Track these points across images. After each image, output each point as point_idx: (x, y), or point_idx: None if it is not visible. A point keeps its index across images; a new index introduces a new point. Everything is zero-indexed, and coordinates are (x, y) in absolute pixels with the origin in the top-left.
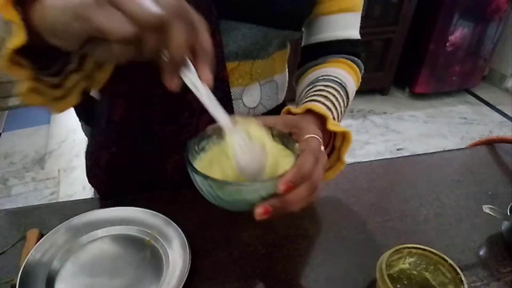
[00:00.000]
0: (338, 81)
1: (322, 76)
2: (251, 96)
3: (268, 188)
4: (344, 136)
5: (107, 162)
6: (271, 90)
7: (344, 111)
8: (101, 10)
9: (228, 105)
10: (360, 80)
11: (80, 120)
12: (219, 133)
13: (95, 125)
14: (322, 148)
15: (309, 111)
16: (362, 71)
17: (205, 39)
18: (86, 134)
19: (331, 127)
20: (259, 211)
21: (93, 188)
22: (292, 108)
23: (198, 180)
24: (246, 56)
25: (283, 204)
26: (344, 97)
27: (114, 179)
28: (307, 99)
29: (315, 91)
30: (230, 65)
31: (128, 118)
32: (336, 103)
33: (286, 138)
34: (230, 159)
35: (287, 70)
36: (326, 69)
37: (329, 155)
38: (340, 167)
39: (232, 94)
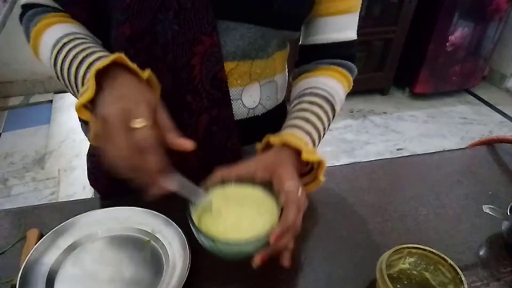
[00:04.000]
0: (325, 94)
1: (311, 88)
2: (250, 96)
3: (262, 242)
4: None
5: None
6: (271, 90)
7: (329, 124)
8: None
9: (227, 106)
10: (352, 84)
11: (80, 121)
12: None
13: None
14: (300, 190)
15: (286, 143)
16: (355, 73)
17: (162, 123)
18: (86, 135)
19: (305, 157)
20: (257, 261)
21: (93, 189)
22: (271, 138)
23: (204, 240)
24: (244, 56)
25: (274, 251)
26: (329, 111)
27: (115, 181)
28: (289, 122)
29: (299, 110)
30: (229, 65)
31: None
32: (318, 123)
33: (268, 188)
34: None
35: (287, 69)
36: (316, 78)
37: (308, 171)
38: (319, 183)
39: (231, 94)
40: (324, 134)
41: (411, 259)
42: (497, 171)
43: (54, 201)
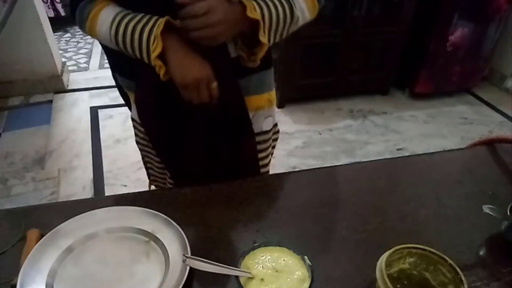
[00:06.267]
0: None
1: None
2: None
3: None
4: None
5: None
6: None
7: (285, 18)
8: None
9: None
10: (317, 10)
11: (121, 76)
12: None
13: (143, 75)
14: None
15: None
16: (322, 4)
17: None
18: (127, 88)
19: (248, 13)
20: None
21: (93, 189)
22: None
23: None
24: None
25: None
26: (287, 9)
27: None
28: None
29: None
30: None
31: None
32: (273, 8)
33: (293, 247)
34: None
35: None
36: None
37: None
38: (264, 46)
39: None
40: (277, 20)
41: (411, 259)
42: (497, 171)
43: (54, 201)
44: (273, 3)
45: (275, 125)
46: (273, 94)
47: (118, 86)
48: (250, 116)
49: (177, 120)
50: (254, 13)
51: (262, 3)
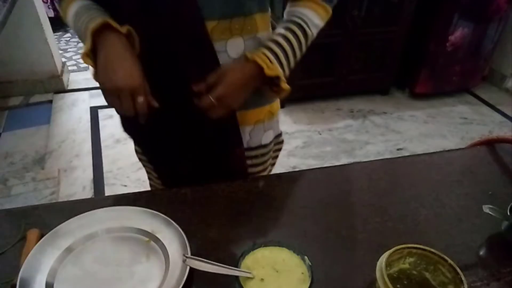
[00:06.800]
0: (299, 21)
1: (289, 16)
2: (234, 49)
3: None
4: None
5: None
6: (254, 45)
7: (300, 44)
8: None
9: (213, 58)
10: (331, 12)
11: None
12: None
13: None
14: (224, 92)
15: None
16: (334, 3)
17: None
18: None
19: (267, 72)
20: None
21: (93, 189)
22: (247, 53)
23: None
24: (223, 14)
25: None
26: (301, 34)
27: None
28: (264, 43)
29: (274, 34)
30: (211, 24)
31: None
32: (285, 43)
33: (293, 247)
34: None
35: (270, 29)
36: (296, 9)
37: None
38: (286, 91)
39: (216, 48)
40: (293, 52)
41: (411, 259)
42: (497, 171)
43: (54, 201)
44: (287, 39)
45: (277, 136)
46: (275, 105)
47: None
48: (249, 130)
49: (161, 125)
50: (272, 68)
51: (276, 48)
